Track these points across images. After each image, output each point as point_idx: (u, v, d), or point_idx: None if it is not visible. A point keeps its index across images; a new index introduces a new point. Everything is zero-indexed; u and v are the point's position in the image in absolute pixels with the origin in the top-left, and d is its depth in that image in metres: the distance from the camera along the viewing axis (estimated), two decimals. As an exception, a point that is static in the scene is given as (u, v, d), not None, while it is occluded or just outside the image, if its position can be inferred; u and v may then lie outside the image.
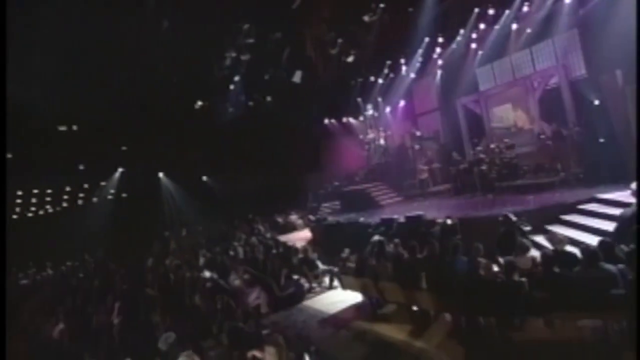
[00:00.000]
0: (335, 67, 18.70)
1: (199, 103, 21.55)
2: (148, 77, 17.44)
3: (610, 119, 12.51)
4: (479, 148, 15.94)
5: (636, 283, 4.00)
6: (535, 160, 13.74)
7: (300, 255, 9.19)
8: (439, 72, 20.01)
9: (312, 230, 14.81)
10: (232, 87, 20.56)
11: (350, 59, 17.98)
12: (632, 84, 11.56)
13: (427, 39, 17.51)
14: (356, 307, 7.33)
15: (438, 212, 10.93)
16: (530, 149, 15.12)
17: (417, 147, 19.24)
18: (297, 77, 17.60)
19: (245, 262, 9.40)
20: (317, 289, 8.82)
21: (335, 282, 8.60)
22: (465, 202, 12.85)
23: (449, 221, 9.05)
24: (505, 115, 17.70)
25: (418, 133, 20.36)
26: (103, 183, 20.94)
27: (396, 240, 7.55)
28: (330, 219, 13.80)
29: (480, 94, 18.29)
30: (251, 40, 15.75)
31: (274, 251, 9.84)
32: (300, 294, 8.28)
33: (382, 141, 20.35)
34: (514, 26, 16.11)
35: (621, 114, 12.35)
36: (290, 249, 9.53)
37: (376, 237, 8.95)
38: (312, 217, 16.88)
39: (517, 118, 17.29)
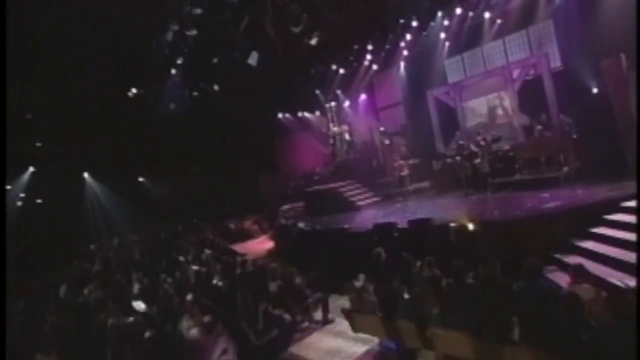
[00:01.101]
0: (297, 50, 16.31)
1: (133, 91, 18.23)
2: (67, 54, 14.05)
3: (609, 107, 11.27)
4: (461, 142, 14.31)
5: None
6: (525, 154, 12.19)
7: (280, 281, 6.61)
8: (402, 64, 18.50)
9: (277, 239, 12.35)
10: (173, 71, 17.48)
11: (314, 41, 15.63)
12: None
13: (401, 21, 15.69)
14: (374, 357, 5.00)
15: (442, 214, 8.89)
16: (510, 142, 13.83)
17: (387, 142, 17.41)
18: (252, 59, 14.96)
19: (199, 290, 6.72)
20: (305, 325, 6.37)
21: (331, 314, 6.25)
22: (462, 201, 11.00)
23: (470, 226, 7.00)
24: (481, 107, 16.42)
25: (382, 128, 18.65)
26: (9, 187, 16.97)
27: (428, 258, 5.33)
28: (303, 225, 11.33)
29: (453, 85, 16.93)
30: (199, 11, 12.90)
31: (239, 271, 7.20)
32: (285, 338, 5.79)
33: (347, 136, 18.27)
34: (487, 15, 14.96)
35: (624, 101, 11.12)
36: (264, 271, 6.89)
37: (380, 251, 6.71)
38: (276, 222, 14.37)
39: (494, 110, 16.08)
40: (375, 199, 14.16)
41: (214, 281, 7.17)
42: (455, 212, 8.73)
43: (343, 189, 14.69)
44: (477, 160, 11.95)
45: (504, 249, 6.51)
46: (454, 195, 12.00)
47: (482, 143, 13.42)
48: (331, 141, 18.61)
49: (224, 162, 21.08)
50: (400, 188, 13.85)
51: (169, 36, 14.66)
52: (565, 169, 10.74)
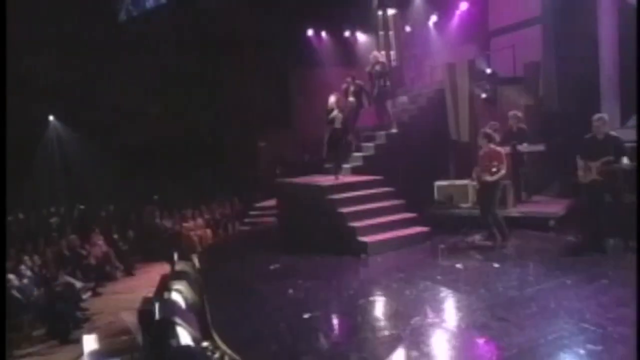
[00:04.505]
0: None
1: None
2: None
3: None
4: None
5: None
6: None
7: None
8: None
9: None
10: None
11: None
12: None
13: None
14: None
15: None
16: None
17: (483, 95, 8.02)
18: None
19: None
20: None
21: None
22: None
23: None
24: None
25: (489, 70, 9.36)
26: None
27: None
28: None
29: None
30: None
31: None
32: None
33: (387, 82, 8.82)
34: None
35: None
36: None
37: None
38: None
39: None
40: (413, 230, 5.25)
41: None
42: None
43: (346, 194, 5.87)
44: None
45: None
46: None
47: None
48: (375, 81, 9.21)
49: (207, 104, 13.13)
50: (478, 206, 4.69)
51: None
52: None
